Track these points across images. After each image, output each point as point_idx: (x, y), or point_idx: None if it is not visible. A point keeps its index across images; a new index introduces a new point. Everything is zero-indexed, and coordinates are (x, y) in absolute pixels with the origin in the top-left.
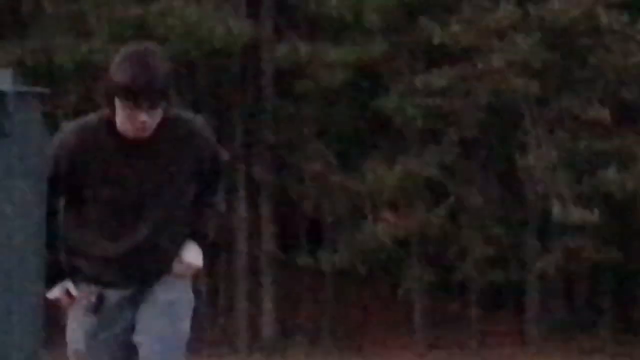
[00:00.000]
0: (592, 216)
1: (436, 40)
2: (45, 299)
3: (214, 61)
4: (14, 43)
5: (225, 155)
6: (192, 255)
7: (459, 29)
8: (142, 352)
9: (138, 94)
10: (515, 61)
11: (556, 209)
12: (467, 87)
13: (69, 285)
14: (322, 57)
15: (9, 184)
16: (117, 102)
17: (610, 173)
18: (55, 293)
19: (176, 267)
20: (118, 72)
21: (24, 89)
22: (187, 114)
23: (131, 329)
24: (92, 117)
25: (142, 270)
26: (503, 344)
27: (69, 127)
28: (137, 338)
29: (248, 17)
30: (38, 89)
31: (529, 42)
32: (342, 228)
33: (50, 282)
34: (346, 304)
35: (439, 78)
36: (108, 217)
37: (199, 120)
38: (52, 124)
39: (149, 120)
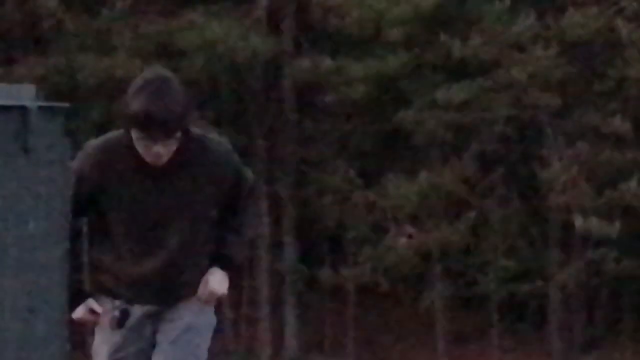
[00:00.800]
0: (613, 228)
1: (456, 54)
2: (70, 320)
3: (235, 77)
4: (36, 60)
5: (250, 179)
6: (217, 281)
7: (478, 43)
8: None
9: (151, 127)
10: (536, 74)
11: (578, 222)
12: (488, 101)
13: (93, 303)
14: (343, 71)
15: (32, 200)
16: (133, 132)
17: (632, 185)
18: (79, 312)
19: (200, 292)
20: (132, 102)
21: (47, 104)
22: (211, 137)
23: (154, 345)
24: (114, 137)
25: (165, 290)
26: (524, 356)
27: (91, 146)
28: (155, 358)
29: (269, 33)
30: (60, 105)
31: (549, 55)
32: (363, 243)
33: (74, 302)
34: (368, 319)
35: (459, 92)
36: (129, 237)
37: (222, 144)
38: (74, 140)
39: (163, 150)
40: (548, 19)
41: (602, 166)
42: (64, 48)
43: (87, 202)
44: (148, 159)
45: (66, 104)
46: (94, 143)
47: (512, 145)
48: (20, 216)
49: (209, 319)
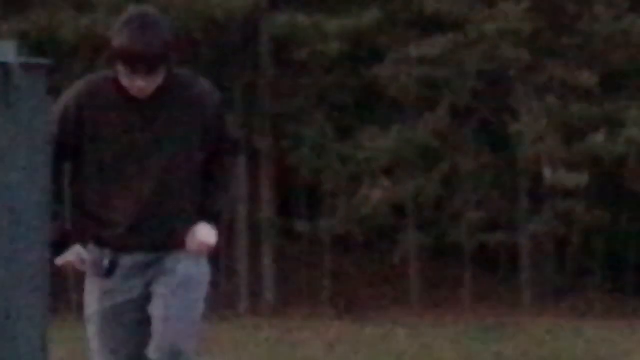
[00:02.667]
0: (582, 179)
1: (429, 10)
2: (52, 266)
3: (213, 33)
4: (17, 17)
5: (234, 133)
6: (205, 233)
7: None
8: (157, 326)
9: (134, 60)
10: (506, 29)
11: (547, 173)
12: (460, 56)
13: (80, 250)
14: (318, 27)
15: (14, 153)
16: (118, 66)
17: (599, 137)
18: (66, 258)
19: (189, 243)
20: (117, 36)
21: (28, 60)
22: (196, 76)
23: (146, 297)
24: (101, 73)
25: (153, 234)
26: (496, 305)
27: (77, 82)
28: (154, 312)
29: None
30: (42, 61)
31: (519, 10)
32: (339, 195)
33: (59, 248)
34: (344, 269)
35: (432, 47)
36: (112, 174)
37: (207, 83)
38: (56, 96)
39: (146, 84)
40: None
41: (571, 119)
42: (45, 6)
43: (71, 138)
44: (132, 92)
45: (47, 61)
46: (80, 80)
47: (483, 99)
48: (1, 169)
49: (204, 270)
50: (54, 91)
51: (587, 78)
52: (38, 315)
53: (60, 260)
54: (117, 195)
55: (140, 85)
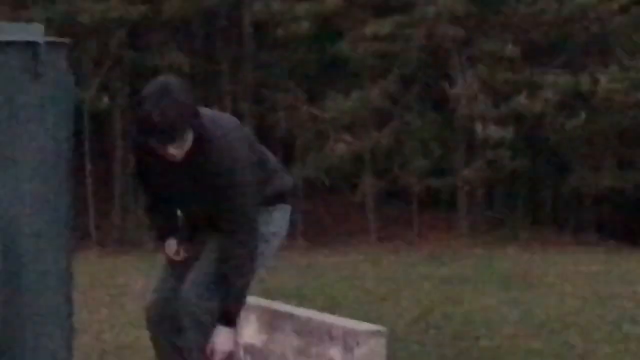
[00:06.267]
0: (507, 133)
1: None
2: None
3: (204, 17)
4: (43, 5)
5: (245, 218)
6: (220, 342)
7: None
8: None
9: (152, 134)
10: (443, 11)
11: (479, 129)
12: (406, 33)
13: (171, 242)
14: (290, 11)
15: (39, 121)
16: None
17: (522, 99)
18: (169, 246)
19: (209, 352)
20: (137, 114)
21: (52, 39)
22: (221, 138)
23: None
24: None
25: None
26: (439, 237)
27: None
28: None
29: None
30: (63, 40)
31: None
32: (309, 148)
33: (162, 240)
34: (314, 208)
35: (383, 27)
36: (167, 202)
37: (231, 160)
38: (75, 68)
39: (174, 152)
40: None
41: (498, 84)
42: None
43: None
44: (167, 157)
45: (68, 40)
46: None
47: (426, 68)
48: (29, 134)
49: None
50: (73, 65)
51: (511, 50)
52: (63, 241)
53: (167, 248)
54: (171, 199)
55: (168, 152)
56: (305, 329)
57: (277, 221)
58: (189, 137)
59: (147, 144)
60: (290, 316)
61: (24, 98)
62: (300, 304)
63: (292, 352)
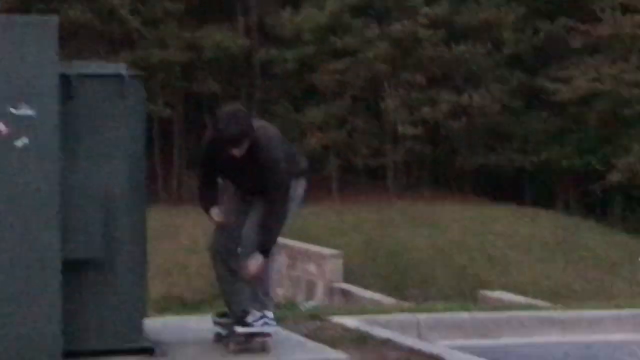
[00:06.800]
0: (418, 131)
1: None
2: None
3: (229, 58)
4: (126, 54)
5: (279, 180)
6: (252, 262)
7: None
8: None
9: (225, 143)
10: (378, 55)
11: (400, 128)
12: (356, 69)
13: (215, 210)
14: (281, 55)
15: (127, 122)
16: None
17: (426, 109)
18: (213, 214)
19: (243, 270)
20: (217, 127)
21: (132, 73)
22: (267, 142)
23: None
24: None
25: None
26: (377, 197)
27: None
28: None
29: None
30: (139, 73)
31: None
32: (294, 141)
33: (207, 209)
34: None
35: (341, 65)
36: (228, 181)
37: (269, 151)
38: (147, 91)
39: (235, 152)
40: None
41: (412, 101)
42: (143, 45)
43: (209, 166)
44: (232, 155)
45: (142, 73)
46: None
47: (368, 91)
48: (119, 133)
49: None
50: (146, 88)
51: (419, 79)
52: (142, 206)
53: (213, 214)
54: (232, 179)
55: (233, 153)
56: (292, 253)
57: (298, 189)
58: (246, 143)
59: (220, 148)
60: (284, 245)
61: (116, 111)
62: (290, 237)
63: (284, 267)
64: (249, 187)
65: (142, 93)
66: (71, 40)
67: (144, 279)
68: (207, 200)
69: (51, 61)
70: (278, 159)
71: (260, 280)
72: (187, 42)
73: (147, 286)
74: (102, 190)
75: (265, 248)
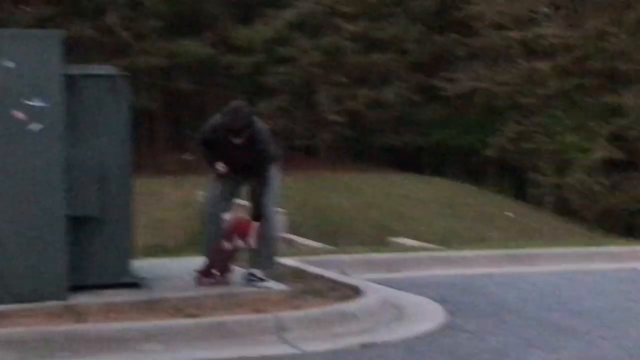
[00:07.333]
0: (340, 118)
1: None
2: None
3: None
4: (116, 61)
5: (271, 151)
6: (245, 220)
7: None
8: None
9: (229, 132)
10: (312, 61)
11: (328, 117)
12: (292, 72)
13: (219, 163)
14: (237, 63)
15: (117, 110)
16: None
17: (350, 103)
18: (219, 166)
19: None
20: (224, 119)
21: (121, 74)
22: (262, 134)
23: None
24: (218, 120)
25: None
26: (312, 168)
27: (209, 122)
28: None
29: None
30: (126, 74)
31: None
32: None
33: (212, 164)
34: None
35: (280, 72)
36: (224, 155)
37: (266, 140)
38: (131, 90)
39: (237, 140)
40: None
41: (336, 96)
42: (129, 53)
43: (210, 139)
44: (233, 141)
45: (129, 74)
46: (212, 121)
47: (304, 88)
48: (111, 119)
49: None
50: (133, 88)
51: (343, 80)
52: (128, 173)
53: (217, 167)
54: (227, 158)
55: (235, 141)
56: (248, 211)
57: (276, 169)
58: (247, 134)
59: (223, 135)
60: (244, 205)
61: (110, 102)
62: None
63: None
64: (240, 166)
65: (129, 89)
66: (76, 50)
67: (131, 230)
68: (210, 158)
69: (58, 64)
70: (269, 147)
71: (255, 241)
72: (167, 51)
73: (134, 236)
74: (97, 163)
75: (257, 214)
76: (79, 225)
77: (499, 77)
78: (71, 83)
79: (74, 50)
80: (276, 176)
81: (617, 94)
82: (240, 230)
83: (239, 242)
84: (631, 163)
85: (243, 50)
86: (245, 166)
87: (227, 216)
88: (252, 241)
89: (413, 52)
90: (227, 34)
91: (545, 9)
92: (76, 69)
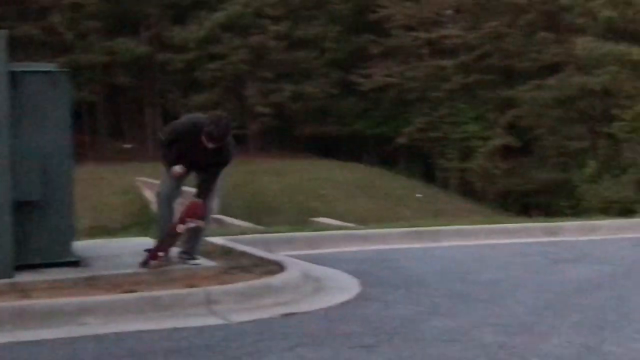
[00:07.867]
0: (267, 109)
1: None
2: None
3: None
4: (62, 57)
5: (229, 161)
6: (195, 203)
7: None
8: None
9: (211, 140)
10: (245, 60)
11: (259, 109)
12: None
13: (177, 166)
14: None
15: (58, 103)
16: (203, 136)
17: (275, 96)
18: (175, 169)
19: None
20: (207, 127)
21: (61, 70)
22: (231, 144)
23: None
24: (201, 120)
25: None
26: (242, 154)
27: (188, 117)
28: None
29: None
30: (66, 70)
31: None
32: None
33: (171, 165)
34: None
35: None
36: (187, 155)
37: (232, 150)
38: (72, 83)
39: (212, 145)
40: None
41: (267, 92)
42: (71, 52)
43: (175, 140)
44: (207, 145)
45: (69, 70)
46: (190, 116)
47: (240, 82)
48: (53, 111)
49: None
50: (76, 82)
51: (261, 75)
52: (70, 163)
53: (174, 169)
54: (187, 158)
55: (210, 146)
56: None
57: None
58: (222, 142)
59: (197, 138)
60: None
61: (50, 96)
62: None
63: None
64: (200, 165)
65: (70, 84)
66: (23, 49)
67: (72, 213)
68: (170, 158)
69: (2, 62)
70: (234, 152)
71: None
72: (107, 49)
73: (75, 218)
74: (40, 151)
75: (204, 197)
76: (24, 209)
77: (409, 73)
78: (15, 79)
79: (20, 49)
80: (227, 173)
81: (512, 89)
82: (193, 211)
83: (191, 223)
84: (525, 149)
85: (178, 49)
86: (206, 165)
87: (179, 201)
88: (207, 220)
89: (332, 50)
90: (163, 33)
91: (449, 12)
92: (20, 66)
